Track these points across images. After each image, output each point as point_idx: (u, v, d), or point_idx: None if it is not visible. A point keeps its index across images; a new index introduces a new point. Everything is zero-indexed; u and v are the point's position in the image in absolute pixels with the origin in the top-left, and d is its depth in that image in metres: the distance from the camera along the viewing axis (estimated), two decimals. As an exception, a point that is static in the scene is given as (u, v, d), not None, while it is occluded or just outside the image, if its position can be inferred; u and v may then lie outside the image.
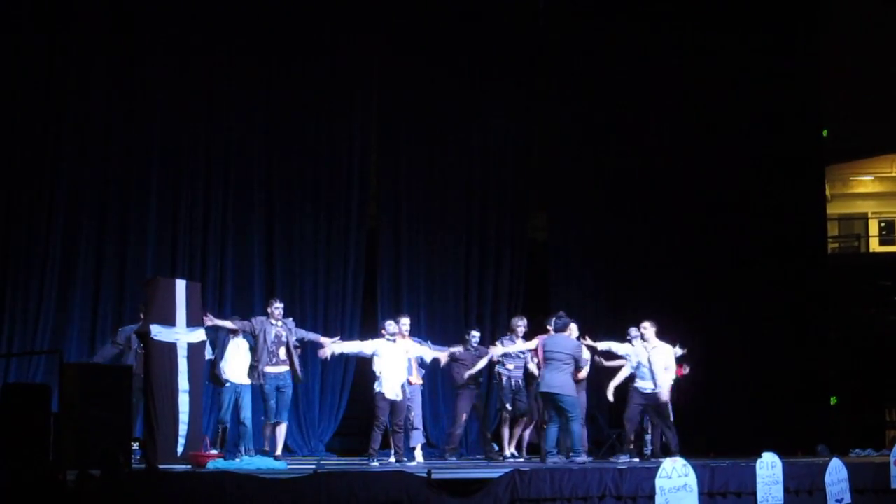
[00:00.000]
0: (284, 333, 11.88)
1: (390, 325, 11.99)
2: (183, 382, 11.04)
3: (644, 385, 12.64)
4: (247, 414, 12.00)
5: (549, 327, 12.86)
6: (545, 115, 17.07)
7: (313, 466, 9.70)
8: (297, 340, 12.05)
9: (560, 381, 11.59)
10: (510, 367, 13.21)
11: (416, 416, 12.49)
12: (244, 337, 12.05)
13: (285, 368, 11.84)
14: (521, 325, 13.43)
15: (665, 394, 12.44)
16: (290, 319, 12.25)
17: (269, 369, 11.80)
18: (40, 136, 13.62)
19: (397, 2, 15.90)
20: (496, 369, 13.31)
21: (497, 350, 13.12)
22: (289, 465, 10.93)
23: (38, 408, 8.23)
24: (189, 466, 10.33)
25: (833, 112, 19.09)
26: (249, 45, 14.85)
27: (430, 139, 16.06)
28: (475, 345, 13.57)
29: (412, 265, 15.69)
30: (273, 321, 11.89)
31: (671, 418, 12.54)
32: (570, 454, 11.54)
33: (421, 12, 16.04)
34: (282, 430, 12.01)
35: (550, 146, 17.16)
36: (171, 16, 14.35)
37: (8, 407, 8.16)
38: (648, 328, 12.65)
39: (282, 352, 11.80)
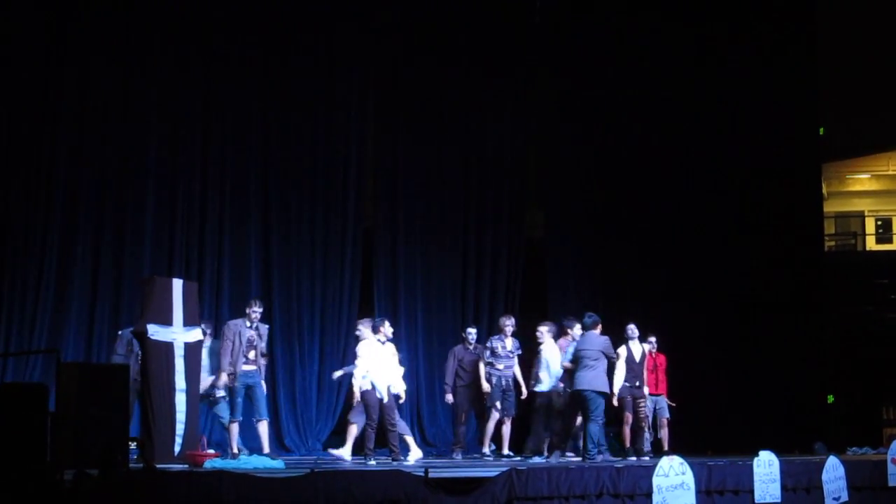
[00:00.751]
0: (256, 338, 11.86)
1: (389, 329, 11.94)
2: (180, 382, 11.06)
3: (540, 386, 12.93)
4: (225, 415, 11.99)
5: (568, 330, 12.93)
6: (542, 113, 17.05)
7: (310, 465, 9.71)
8: (265, 346, 12.04)
9: (587, 378, 11.70)
10: (500, 367, 13.21)
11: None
12: None
13: (254, 367, 11.84)
14: (508, 324, 13.46)
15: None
16: (266, 326, 12.25)
17: (241, 367, 11.77)
18: (37, 135, 13.60)
19: (393, 1, 15.89)
20: (486, 370, 13.29)
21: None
22: (286, 464, 10.92)
23: (35, 407, 8.18)
24: (186, 466, 10.34)
25: (830, 110, 19.11)
26: (246, 43, 14.82)
27: (427, 138, 16.02)
28: (472, 341, 13.57)
29: (409, 264, 15.65)
30: (248, 323, 11.86)
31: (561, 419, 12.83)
32: (586, 454, 11.55)
33: (417, 11, 16.00)
34: (264, 428, 11.96)
35: (548, 144, 17.14)
36: (169, 13, 14.33)
37: (5, 407, 8.13)
38: (544, 332, 12.97)
39: (252, 354, 11.79)
